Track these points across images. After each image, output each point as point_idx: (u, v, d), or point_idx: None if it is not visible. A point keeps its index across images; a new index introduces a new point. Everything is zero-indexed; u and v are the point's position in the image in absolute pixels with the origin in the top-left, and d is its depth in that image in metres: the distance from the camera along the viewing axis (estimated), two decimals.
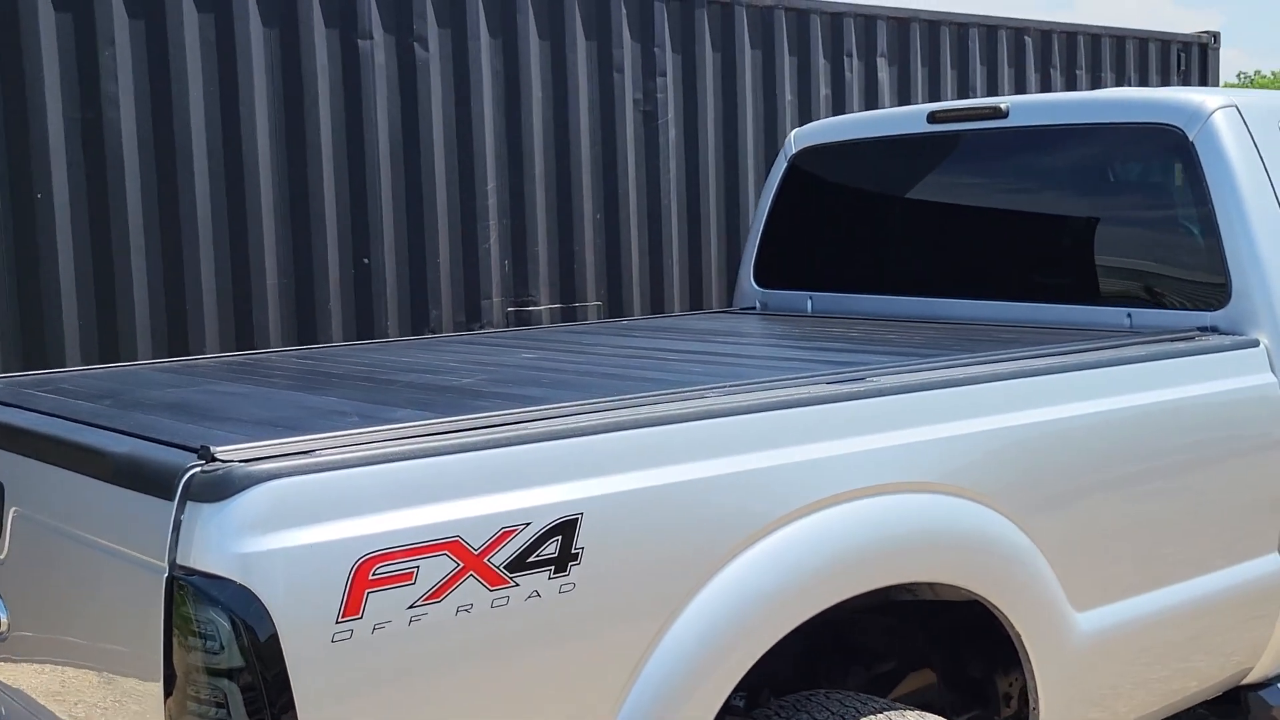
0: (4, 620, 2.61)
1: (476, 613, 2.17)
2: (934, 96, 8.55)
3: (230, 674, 1.99)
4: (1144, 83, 9.46)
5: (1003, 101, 4.11)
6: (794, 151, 4.80)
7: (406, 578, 2.11)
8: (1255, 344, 3.47)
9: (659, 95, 7.42)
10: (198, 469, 2.07)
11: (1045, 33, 9.05)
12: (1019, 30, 8.92)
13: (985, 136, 4.15)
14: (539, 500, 2.24)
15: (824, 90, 8.04)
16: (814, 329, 4.13)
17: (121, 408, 2.77)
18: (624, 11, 7.23)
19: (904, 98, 8.43)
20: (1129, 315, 3.77)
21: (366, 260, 6.44)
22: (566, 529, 2.25)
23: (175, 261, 5.85)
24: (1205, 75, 9.67)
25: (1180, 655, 3.25)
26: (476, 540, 2.17)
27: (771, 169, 4.95)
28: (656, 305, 7.48)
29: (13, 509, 2.58)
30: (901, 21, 8.34)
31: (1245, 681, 3.55)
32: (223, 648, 1.99)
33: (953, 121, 4.25)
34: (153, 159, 5.77)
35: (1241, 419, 3.38)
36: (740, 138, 7.71)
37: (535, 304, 7.02)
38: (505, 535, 2.20)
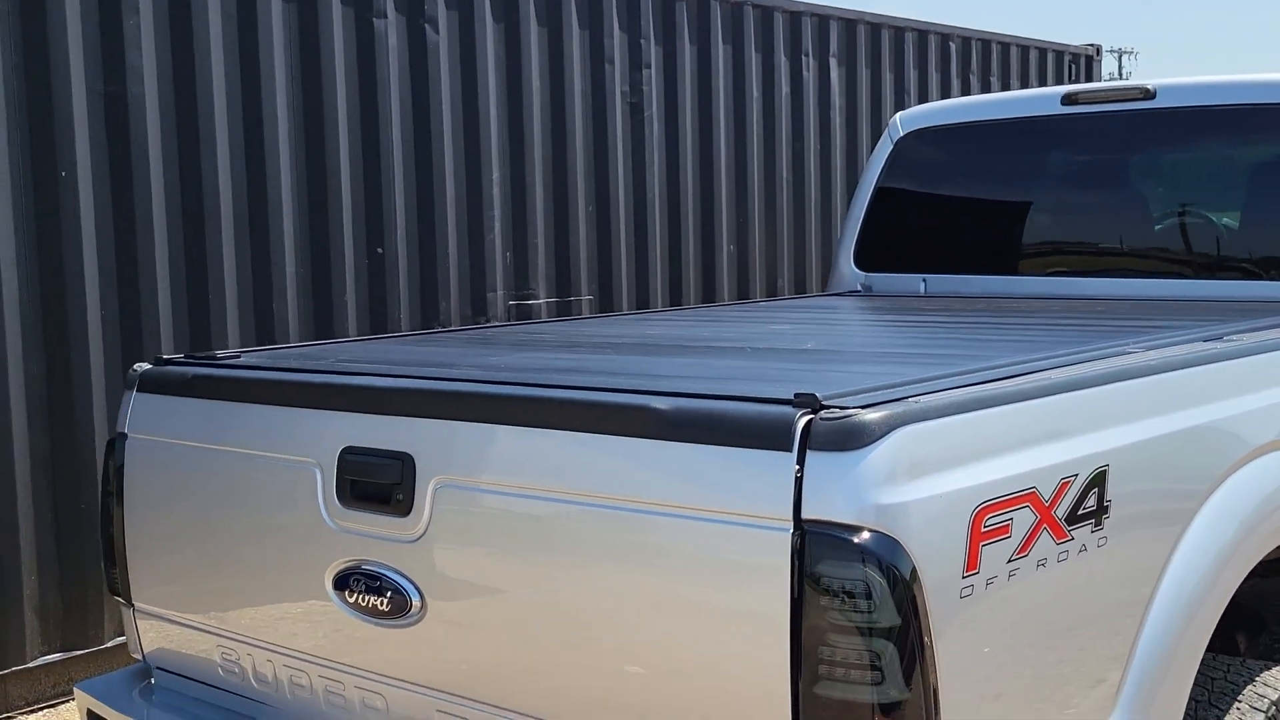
0: (414, 602, 2.36)
1: (1049, 568, 2.09)
2: (875, 97, 8.74)
3: (885, 633, 1.85)
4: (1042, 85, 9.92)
5: (1149, 83, 4.24)
6: (901, 135, 4.81)
7: (1004, 530, 2.01)
8: None
9: (644, 88, 7.35)
10: (815, 418, 1.92)
11: (965, 39, 9.38)
12: (944, 36, 9.22)
13: (1136, 119, 4.26)
14: (1081, 451, 2.18)
15: (785, 89, 8.12)
16: (986, 306, 4.14)
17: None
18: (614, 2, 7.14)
19: (851, 97, 8.59)
20: None
21: (380, 250, 6.16)
22: (1100, 480, 2.19)
23: (198, 241, 5.45)
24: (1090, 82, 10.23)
25: None
26: (1046, 491, 2.09)
27: (874, 153, 4.94)
28: (642, 300, 7.40)
29: (434, 480, 2.33)
30: (849, 22, 8.49)
31: None
32: (875, 605, 1.85)
33: (1093, 104, 4.35)
34: (174, 132, 5.36)
35: None
36: (715, 131, 7.70)
37: (535, 297, 6.84)
38: (1064, 487, 2.12)
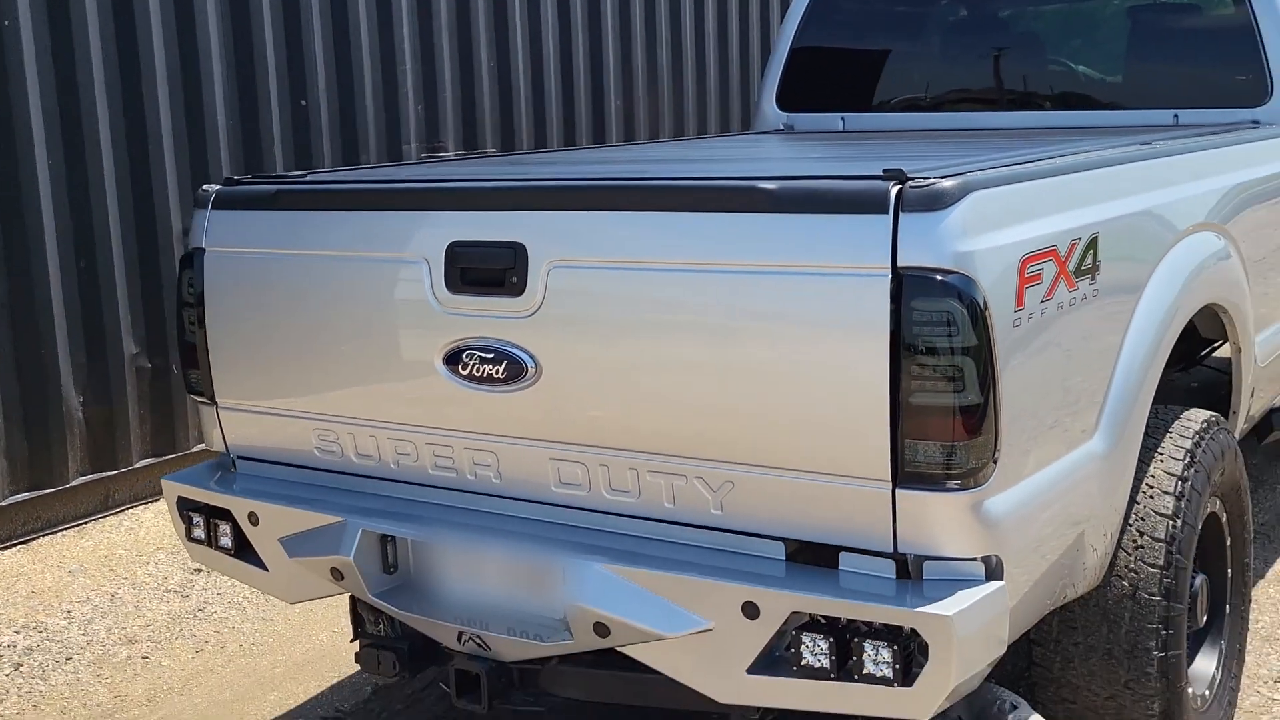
0: (530, 368, 2.78)
1: (1065, 310, 2.65)
2: None
3: (966, 350, 2.37)
4: None
5: None
6: None
7: (1038, 278, 2.55)
8: None
9: None
10: (904, 186, 2.41)
11: None
12: None
13: None
14: (1083, 220, 2.73)
15: None
16: (913, 137, 4.68)
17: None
18: None
19: None
20: (1175, 115, 4.58)
21: (304, 102, 6.38)
22: (1094, 244, 2.75)
23: (136, 101, 5.64)
24: None
25: None
26: (1063, 250, 2.64)
27: (792, 5, 5.39)
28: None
29: (546, 263, 2.73)
30: None
31: None
32: (958, 329, 2.36)
33: None
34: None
35: None
36: None
37: (444, 149, 7.14)
38: (1073, 247, 2.68)
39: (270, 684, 4.28)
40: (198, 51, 5.88)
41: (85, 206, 5.49)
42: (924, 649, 2.40)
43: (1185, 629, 3.13)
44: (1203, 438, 3.22)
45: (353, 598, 3.35)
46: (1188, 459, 3.14)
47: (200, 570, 5.22)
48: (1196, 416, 3.28)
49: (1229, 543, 3.50)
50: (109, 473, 5.74)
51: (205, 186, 3.36)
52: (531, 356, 2.78)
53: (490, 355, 2.83)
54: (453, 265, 2.86)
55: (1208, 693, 3.41)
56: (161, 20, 5.70)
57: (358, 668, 4.11)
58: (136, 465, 5.83)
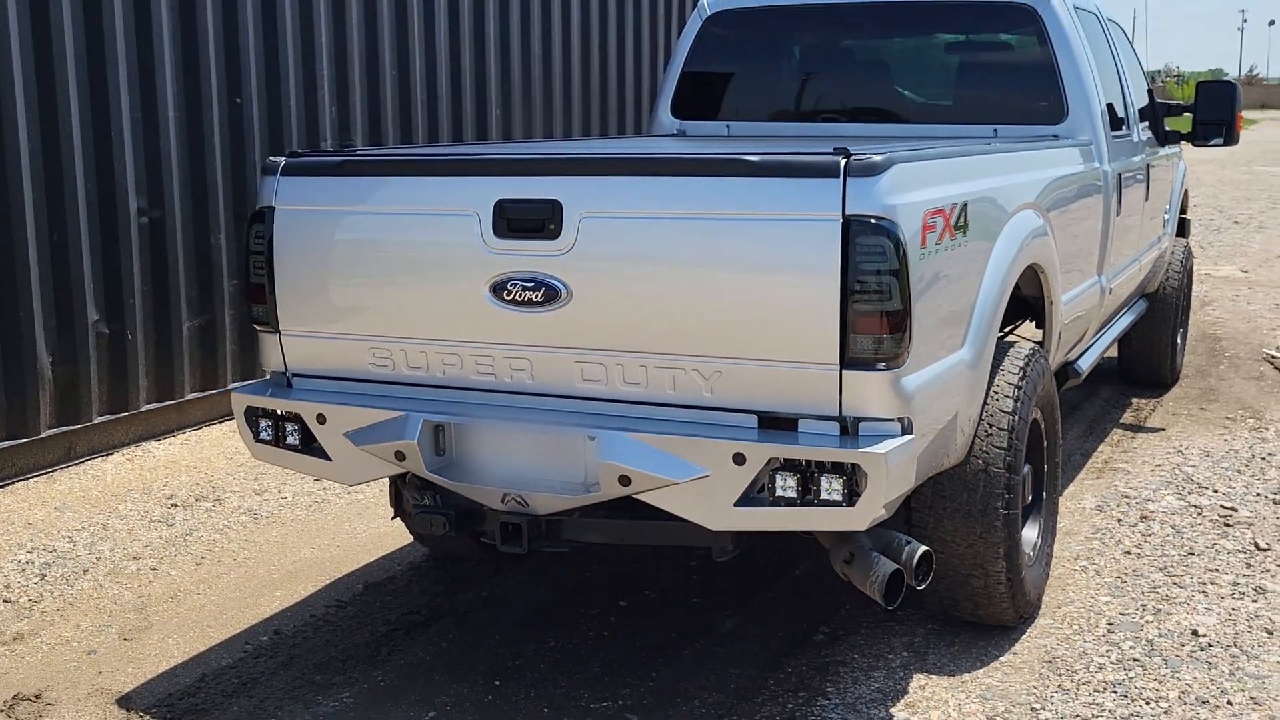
0: (563, 293, 3.74)
1: (949, 249, 3.77)
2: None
3: (892, 272, 3.45)
4: None
5: None
6: (708, 14, 6.38)
7: (934, 228, 3.67)
8: (1088, 143, 5.66)
9: None
10: (849, 160, 3.47)
11: None
12: None
13: (886, 8, 6.02)
14: (953, 192, 3.86)
15: None
16: (786, 139, 5.80)
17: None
18: None
19: None
20: (995, 130, 5.82)
21: (239, 100, 7.15)
22: (965, 209, 3.89)
23: (100, 83, 6.35)
24: None
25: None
26: (948, 210, 3.77)
27: (686, 28, 6.47)
28: None
29: (579, 213, 3.70)
30: None
31: None
32: (886, 257, 3.45)
33: None
34: None
35: (1088, 182, 5.54)
36: (486, 13, 9.00)
37: (355, 147, 7.96)
38: (954, 208, 3.81)
39: (272, 585, 5.09)
40: (153, 55, 6.60)
41: (58, 188, 6.16)
42: (864, 479, 3.46)
43: (1021, 496, 4.29)
44: (1030, 360, 4.40)
45: (393, 483, 4.26)
46: (1021, 374, 4.31)
47: (177, 505, 5.95)
48: (1025, 346, 4.47)
49: (1045, 444, 4.70)
50: (72, 426, 6.38)
51: (272, 158, 4.21)
52: (565, 284, 3.75)
53: (531, 285, 3.78)
54: (500, 217, 3.80)
55: (1032, 552, 4.59)
56: (123, 30, 6.42)
57: (345, 572, 5.03)
58: (96, 421, 6.49)
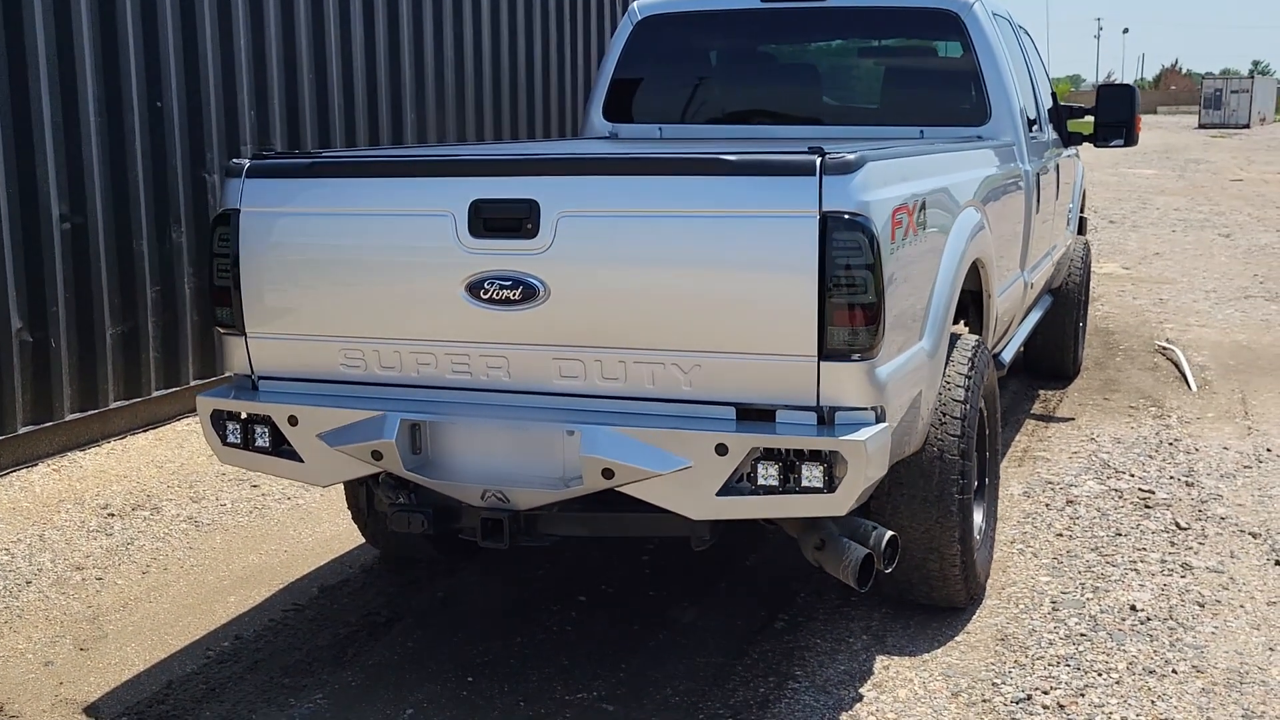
0: (541, 291, 3.79)
1: (912, 244, 3.92)
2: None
3: (867, 266, 3.58)
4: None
5: None
6: (639, 19, 6.48)
7: (900, 224, 3.81)
8: (1011, 144, 5.89)
9: None
10: (824, 159, 3.59)
11: None
12: None
13: (812, 13, 6.18)
14: (914, 190, 4.02)
15: None
16: (723, 141, 5.92)
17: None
18: None
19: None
20: (921, 131, 6.02)
21: (160, 104, 7.06)
22: (924, 206, 4.05)
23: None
24: None
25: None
26: (911, 206, 3.92)
27: (616, 32, 6.56)
28: None
29: (557, 212, 3.76)
30: None
31: None
32: (861, 252, 3.58)
33: (783, 0, 6.23)
34: None
35: (1013, 180, 5.77)
36: (400, 18, 8.98)
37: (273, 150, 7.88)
38: (916, 205, 3.96)
39: (224, 591, 5.05)
40: (74, 56, 6.49)
41: None
42: (844, 466, 3.59)
43: (972, 481, 4.47)
44: (977, 352, 4.58)
45: (355, 485, 4.27)
46: (970, 364, 4.49)
47: (114, 514, 5.86)
48: (971, 338, 4.66)
49: (988, 432, 4.89)
50: None
51: (235, 160, 4.20)
52: (543, 283, 3.81)
53: (509, 283, 3.83)
54: (476, 217, 3.85)
55: (979, 536, 4.78)
56: (44, 33, 6.29)
57: (297, 576, 5.03)
58: (21, 431, 6.35)
